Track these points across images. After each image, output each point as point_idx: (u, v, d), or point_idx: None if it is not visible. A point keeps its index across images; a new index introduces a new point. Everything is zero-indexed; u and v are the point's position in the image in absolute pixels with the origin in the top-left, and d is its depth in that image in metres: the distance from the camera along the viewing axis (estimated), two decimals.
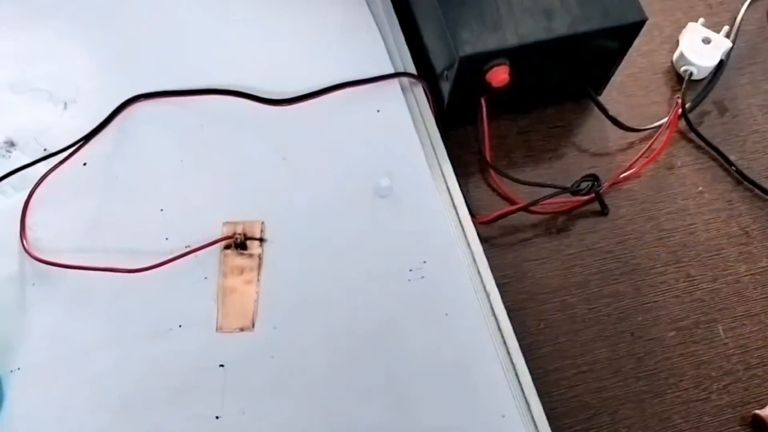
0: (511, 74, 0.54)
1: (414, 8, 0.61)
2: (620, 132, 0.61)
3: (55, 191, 0.55)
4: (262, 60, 0.60)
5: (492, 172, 0.59)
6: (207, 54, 0.60)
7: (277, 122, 0.58)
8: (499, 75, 0.54)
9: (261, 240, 0.53)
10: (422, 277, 0.53)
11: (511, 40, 0.52)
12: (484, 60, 0.53)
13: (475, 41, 0.52)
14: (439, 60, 0.57)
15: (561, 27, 0.53)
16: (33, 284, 0.51)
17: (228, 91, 0.58)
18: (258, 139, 0.57)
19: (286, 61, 0.61)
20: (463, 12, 0.53)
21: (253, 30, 0.62)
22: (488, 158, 0.58)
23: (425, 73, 0.60)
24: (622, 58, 0.58)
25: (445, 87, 0.57)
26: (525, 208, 0.57)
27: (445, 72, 0.56)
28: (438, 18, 0.54)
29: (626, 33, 0.56)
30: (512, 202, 0.58)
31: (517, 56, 0.53)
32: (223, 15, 0.62)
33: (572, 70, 0.59)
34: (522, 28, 0.53)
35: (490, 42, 0.52)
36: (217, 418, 0.48)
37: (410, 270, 0.53)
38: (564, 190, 0.58)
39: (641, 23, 0.54)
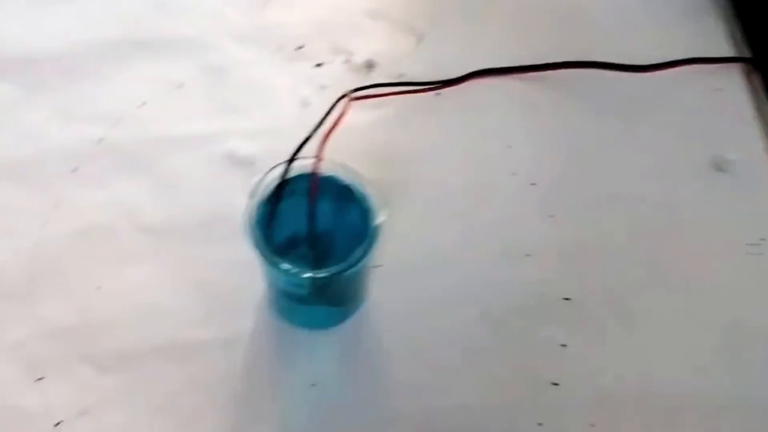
0: None
1: None
2: None
3: (409, 114, 0.58)
4: (604, 30, 0.63)
5: None
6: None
7: (627, 93, 0.60)
8: None
9: None
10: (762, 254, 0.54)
11: None
12: None
13: None
14: None
15: None
16: (391, 192, 0.54)
17: (582, 62, 0.60)
18: (603, 111, 0.59)
19: (628, 34, 0.63)
20: None
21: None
22: None
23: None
24: None
25: None
26: None
27: None
28: None
29: None
30: None
31: None
32: None
33: None
34: None
35: None
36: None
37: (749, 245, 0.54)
38: None
39: None
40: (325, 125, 0.45)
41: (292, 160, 0.42)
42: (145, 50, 0.59)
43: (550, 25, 0.63)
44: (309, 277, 0.40)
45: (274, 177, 0.42)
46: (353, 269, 0.40)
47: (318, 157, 0.41)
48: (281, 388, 0.47)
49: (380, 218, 0.41)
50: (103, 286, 0.49)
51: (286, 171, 0.42)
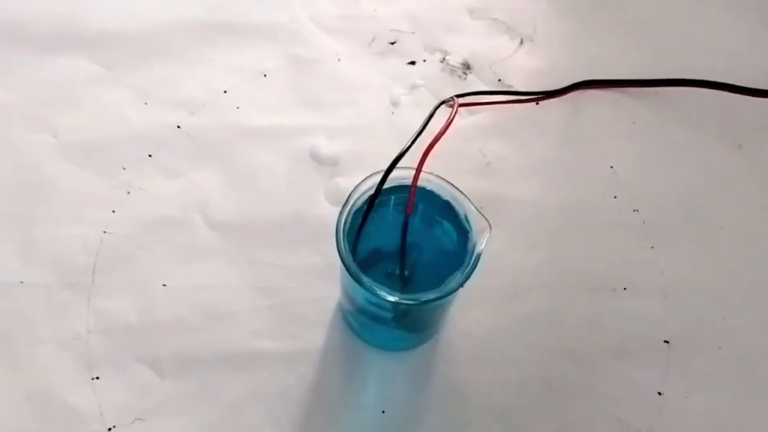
0: None
1: None
2: None
3: (506, 124, 0.54)
4: (722, 48, 0.57)
5: None
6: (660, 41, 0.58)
7: (746, 118, 0.54)
8: None
9: None
10: None
11: None
12: None
13: None
14: None
15: None
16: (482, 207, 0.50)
17: (698, 81, 0.54)
18: (719, 136, 0.54)
19: (747, 50, 0.57)
20: None
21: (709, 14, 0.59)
22: None
23: None
24: None
25: None
26: None
27: None
28: None
29: None
30: None
31: None
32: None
33: None
34: None
35: None
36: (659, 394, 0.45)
37: None
38: None
39: None
40: (426, 132, 0.41)
41: (390, 169, 0.38)
42: (230, 35, 0.56)
43: (665, 37, 0.58)
44: (394, 302, 0.36)
45: (368, 186, 0.38)
46: (444, 300, 0.36)
47: (418, 168, 0.37)
48: (349, 411, 0.43)
49: (482, 243, 0.37)
50: (169, 283, 0.46)
51: (383, 181, 0.38)
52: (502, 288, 0.48)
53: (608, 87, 0.55)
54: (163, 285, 0.46)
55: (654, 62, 0.56)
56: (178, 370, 0.44)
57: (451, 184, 0.39)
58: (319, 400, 0.43)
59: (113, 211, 0.48)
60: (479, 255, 0.37)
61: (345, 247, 0.37)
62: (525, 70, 0.55)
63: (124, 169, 0.50)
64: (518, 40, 0.57)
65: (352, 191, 0.38)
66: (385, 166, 0.38)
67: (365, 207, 0.38)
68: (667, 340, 0.46)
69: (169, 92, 0.53)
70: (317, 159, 0.51)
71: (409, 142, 0.40)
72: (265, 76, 0.54)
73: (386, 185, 0.38)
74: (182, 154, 0.51)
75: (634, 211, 0.51)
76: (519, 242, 0.49)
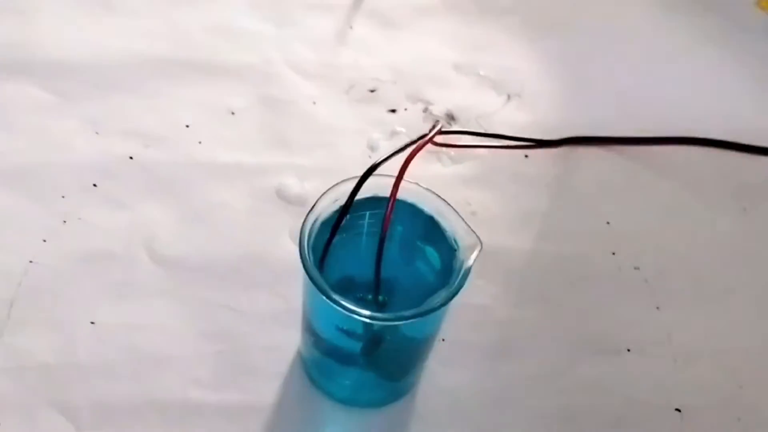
0: None
1: None
2: None
3: (493, 174, 0.49)
4: (714, 104, 0.55)
5: None
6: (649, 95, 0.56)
7: (747, 177, 0.51)
8: None
9: None
10: None
11: None
12: None
13: None
14: None
15: None
16: None
17: (695, 139, 0.51)
18: (719, 195, 0.50)
19: (747, 108, 0.54)
20: None
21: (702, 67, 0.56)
22: None
23: None
24: None
25: None
26: None
27: None
28: None
29: None
30: None
31: None
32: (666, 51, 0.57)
33: None
34: None
35: None
36: None
37: None
38: None
39: None
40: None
41: (366, 176, 0.32)
42: (196, 72, 0.52)
43: (657, 95, 0.55)
44: (367, 321, 0.30)
45: (338, 194, 0.33)
46: (426, 318, 0.30)
47: (399, 176, 0.32)
48: None
49: (471, 259, 0.31)
50: (98, 321, 0.39)
51: (358, 187, 0.32)
52: (490, 344, 0.41)
53: (602, 144, 0.51)
54: (91, 323, 0.39)
55: (650, 120, 0.53)
56: (99, 421, 0.36)
57: (437, 195, 0.34)
58: None
59: (44, 241, 0.42)
60: (468, 270, 0.31)
61: (309, 256, 0.31)
62: (513, 125, 0.52)
63: (63, 197, 0.44)
64: (505, 96, 0.54)
65: (320, 197, 0.33)
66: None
67: (335, 219, 0.33)
68: (678, 408, 0.40)
69: (125, 124, 0.48)
70: (284, 198, 0.46)
71: (391, 153, 0.35)
72: (233, 113, 0.50)
73: (359, 196, 0.33)
74: (132, 187, 0.45)
75: (635, 268, 0.45)
76: (509, 296, 0.43)
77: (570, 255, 0.46)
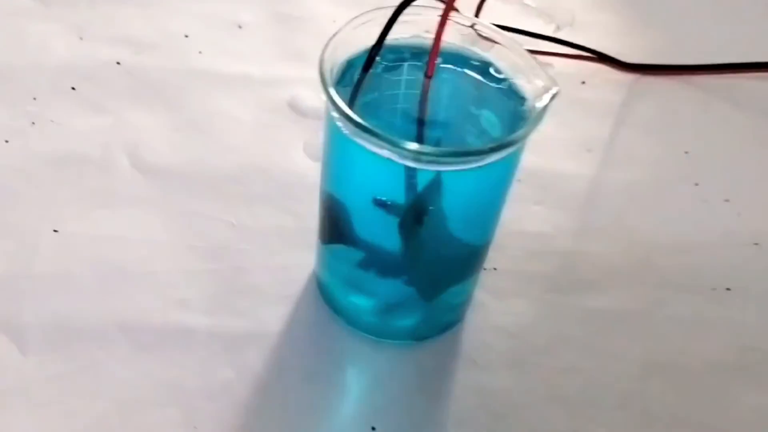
0: None
1: None
2: None
3: None
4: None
5: None
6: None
7: None
8: None
9: None
10: None
11: None
12: None
13: None
14: None
15: None
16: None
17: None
18: None
19: None
20: None
21: None
22: None
23: None
24: None
25: None
26: None
27: None
28: None
29: None
30: None
31: None
32: None
33: None
34: None
35: None
36: None
37: None
38: None
39: None
40: None
41: (404, 5, 0.25)
42: None
43: (736, 21, 0.48)
44: (418, 160, 0.22)
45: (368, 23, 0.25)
46: (491, 176, 0.22)
47: (449, 5, 0.24)
48: (319, 425, 0.27)
49: (548, 96, 0.23)
50: (62, 229, 0.31)
51: (391, 22, 0.25)
52: (554, 277, 0.33)
53: (668, 73, 0.44)
54: (54, 231, 0.31)
55: (723, 46, 0.45)
56: (49, 343, 0.28)
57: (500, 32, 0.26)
58: (270, 406, 0.27)
59: (6, 141, 0.34)
60: (544, 109, 0.23)
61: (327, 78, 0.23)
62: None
63: (35, 99, 0.37)
64: (554, 26, 0.47)
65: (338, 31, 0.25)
66: None
67: (356, 78, 0.25)
68: None
69: (113, 30, 0.41)
70: (297, 111, 0.38)
71: None
72: (240, 27, 0.43)
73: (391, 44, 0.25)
74: (116, 91, 0.38)
75: (725, 201, 0.37)
76: (574, 224, 0.35)
77: (644, 183, 0.38)
